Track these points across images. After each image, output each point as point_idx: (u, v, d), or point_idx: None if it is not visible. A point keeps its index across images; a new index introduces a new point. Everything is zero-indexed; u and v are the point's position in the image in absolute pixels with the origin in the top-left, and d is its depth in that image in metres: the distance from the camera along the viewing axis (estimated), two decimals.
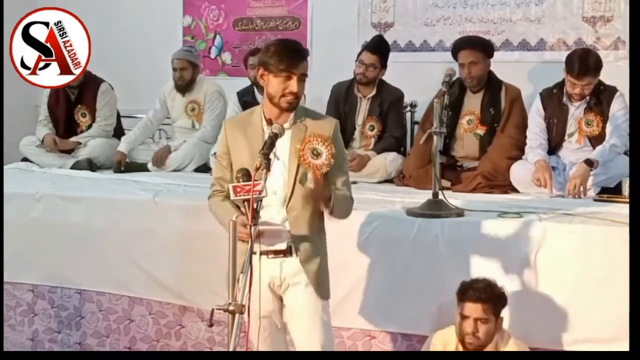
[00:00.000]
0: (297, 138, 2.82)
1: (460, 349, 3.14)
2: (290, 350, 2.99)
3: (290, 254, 2.83)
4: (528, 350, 3.22)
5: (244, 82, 5.20)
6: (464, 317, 3.07)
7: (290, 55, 2.79)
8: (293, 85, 2.78)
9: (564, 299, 3.40)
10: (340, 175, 2.89)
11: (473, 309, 3.04)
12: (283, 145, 2.82)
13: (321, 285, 2.88)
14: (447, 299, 3.44)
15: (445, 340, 3.21)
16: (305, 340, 2.90)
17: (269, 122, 2.83)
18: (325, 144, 2.80)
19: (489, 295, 3.06)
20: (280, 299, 2.92)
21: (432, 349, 3.26)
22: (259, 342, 2.92)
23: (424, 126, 4.59)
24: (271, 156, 2.75)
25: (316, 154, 2.79)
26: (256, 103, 5.09)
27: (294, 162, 2.82)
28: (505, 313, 3.35)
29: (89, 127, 5.41)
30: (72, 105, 5.41)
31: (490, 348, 3.11)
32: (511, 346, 3.15)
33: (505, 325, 3.24)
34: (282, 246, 2.82)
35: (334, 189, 2.83)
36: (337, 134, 2.90)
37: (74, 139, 5.39)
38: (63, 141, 5.35)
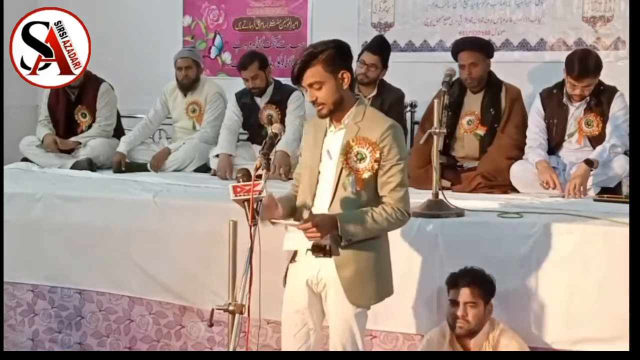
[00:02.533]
0: (347, 139, 2.76)
1: (449, 348, 3.18)
2: (290, 350, 2.98)
3: (329, 255, 2.77)
4: (525, 345, 3.22)
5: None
6: (454, 303, 3.17)
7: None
8: (309, 95, 2.77)
9: (563, 298, 3.40)
10: (388, 183, 2.75)
11: (462, 294, 3.15)
12: (336, 146, 2.79)
13: (355, 292, 2.78)
14: (447, 299, 3.44)
15: (433, 338, 3.26)
16: (333, 342, 2.86)
17: (331, 121, 2.83)
18: (370, 148, 2.72)
19: (476, 280, 3.18)
20: (320, 298, 2.88)
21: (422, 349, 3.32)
22: (289, 337, 2.91)
23: (423, 126, 4.59)
24: (325, 155, 2.79)
25: (360, 158, 2.73)
26: (254, 104, 5.10)
27: (340, 165, 2.76)
28: (505, 313, 3.37)
29: (89, 127, 5.41)
30: (72, 106, 5.41)
31: (481, 336, 3.15)
32: (502, 333, 3.18)
33: (506, 325, 3.25)
34: (325, 242, 2.74)
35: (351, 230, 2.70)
36: (390, 137, 2.73)
37: (74, 139, 5.39)
38: (63, 141, 5.34)
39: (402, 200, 2.77)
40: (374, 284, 2.84)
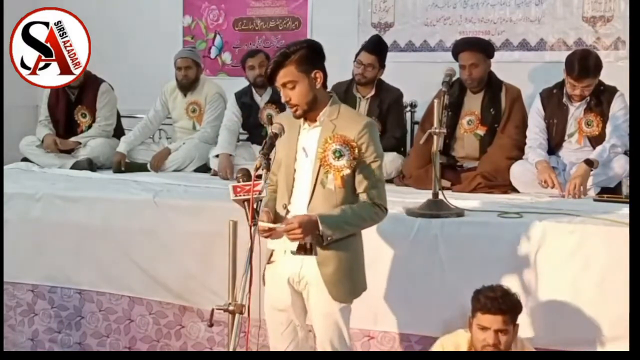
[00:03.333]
0: (324, 137, 2.79)
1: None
2: (290, 350, 2.98)
3: (311, 253, 2.80)
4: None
5: (244, 82, 5.20)
6: (483, 329, 2.95)
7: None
8: (283, 95, 2.80)
9: (563, 299, 3.40)
10: (366, 180, 2.79)
11: (493, 321, 2.93)
12: (312, 144, 2.81)
13: (337, 288, 2.82)
14: (447, 299, 3.45)
15: (457, 344, 3.13)
16: (320, 341, 2.90)
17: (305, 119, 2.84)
18: (349, 146, 2.75)
19: (509, 306, 2.96)
20: (301, 296, 2.90)
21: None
22: (277, 336, 2.94)
23: (424, 126, 4.59)
24: (301, 153, 2.80)
25: (338, 156, 2.75)
26: (254, 104, 5.10)
27: (317, 162, 2.79)
28: None
29: (89, 127, 5.41)
30: (72, 106, 5.40)
31: None
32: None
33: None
34: (307, 240, 2.76)
35: (339, 212, 2.75)
36: (367, 135, 2.77)
37: (74, 139, 5.39)
38: (63, 141, 5.34)
39: (380, 196, 2.83)
40: (354, 280, 2.89)
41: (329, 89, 2.93)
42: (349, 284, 2.87)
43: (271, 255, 2.92)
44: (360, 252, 2.94)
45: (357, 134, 2.77)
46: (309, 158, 2.82)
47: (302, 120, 2.85)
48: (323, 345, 2.88)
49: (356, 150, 2.75)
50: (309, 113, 2.82)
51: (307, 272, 2.83)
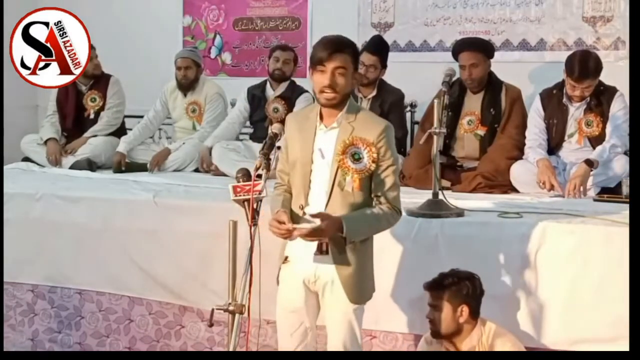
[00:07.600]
0: (342, 139, 2.75)
1: (444, 348, 3.18)
2: (290, 350, 2.98)
3: (327, 253, 2.78)
4: (519, 343, 3.17)
5: (244, 82, 5.21)
6: (428, 305, 3.19)
7: (323, 47, 2.71)
8: (324, 79, 2.71)
9: (563, 299, 3.39)
10: (384, 183, 2.77)
11: (428, 296, 3.18)
12: (329, 145, 2.78)
13: (353, 289, 2.80)
14: None
15: (423, 345, 3.26)
16: (333, 342, 2.87)
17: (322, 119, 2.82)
18: (368, 148, 2.72)
19: (436, 284, 3.14)
20: (316, 296, 2.88)
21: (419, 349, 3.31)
22: (286, 337, 2.92)
23: (424, 126, 4.59)
24: (317, 155, 2.78)
25: (357, 158, 2.73)
26: (264, 97, 5.13)
27: (335, 164, 2.75)
28: (505, 313, 3.37)
29: (97, 113, 5.42)
30: (82, 96, 5.44)
31: (471, 340, 3.11)
32: (495, 336, 3.12)
33: (505, 325, 3.23)
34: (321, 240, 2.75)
35: (352, 218, 2.72)
36: (385, 138, 2.75)
37: (85, 136, 5.40)
38: (69, 146, 5.36)
39: (397, 200, 2.82)
40: (368, 282, 2.88)
41: None
42: (363, 285, 2.85)
43: (286, 256, 2.91)
44: (372, 254, 2.92)
45: (377, 136, 2.74)
46: (325, 160, 2.79)
47: (318, 121, 2.82)
48: (335, 346, 2.85)
49: (375, 153, 2.73)
50: (335, 107, 2.76)
51: (322, 272, 2.81)
